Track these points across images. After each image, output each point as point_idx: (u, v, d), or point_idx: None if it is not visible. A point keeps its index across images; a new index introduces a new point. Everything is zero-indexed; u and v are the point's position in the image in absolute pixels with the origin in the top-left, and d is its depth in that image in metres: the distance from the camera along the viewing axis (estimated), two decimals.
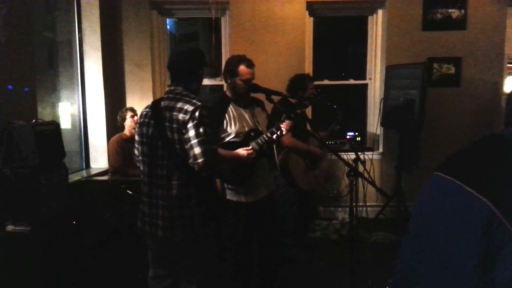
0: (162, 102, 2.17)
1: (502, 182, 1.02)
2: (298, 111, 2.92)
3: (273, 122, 2.91)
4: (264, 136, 2.71)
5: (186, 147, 2.04)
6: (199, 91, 2.31)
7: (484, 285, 0.99)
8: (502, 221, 0.96)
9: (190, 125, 2.03)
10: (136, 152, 2.33)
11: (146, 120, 2.21)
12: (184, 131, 2.05)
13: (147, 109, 2.27)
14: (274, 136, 2.70)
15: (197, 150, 2.00)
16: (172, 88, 2.22)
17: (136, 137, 2.30)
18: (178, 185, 2.11)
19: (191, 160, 2.03)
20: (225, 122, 2.75)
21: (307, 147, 3.63)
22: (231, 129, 2.74)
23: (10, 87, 3.06)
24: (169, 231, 2.13)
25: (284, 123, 2.69)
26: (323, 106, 3.82)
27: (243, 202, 2.79)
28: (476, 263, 1.00)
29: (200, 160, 2.00)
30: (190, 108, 2.06)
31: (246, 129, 2.78)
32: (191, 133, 2.02)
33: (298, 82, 3.81)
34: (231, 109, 2.79)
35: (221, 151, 2.65)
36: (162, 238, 2.16)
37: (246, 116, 2.83)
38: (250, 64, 2.76)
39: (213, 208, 2.23)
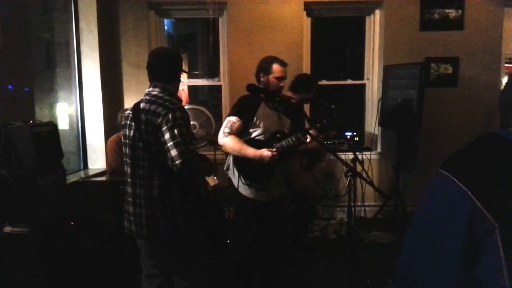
0: (141, 104, 2.22)
1: (486, 174, 1.05)
2: (333, 132, 3.03)
3: (296, 127, 2.95)
4: (289, 139, 2.78)
5: (164, 149, 2.10)
6: (176, 92, 2.36)
7: (470, 279, 1.01)
8: (484, 213, 0.98)
9: (164, 128, 2.09)
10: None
11: (128, 122, 2.26)
12: (159, 134, 2.11)
13: (128, 111, 2.31)
14: (298, 142, 2.78)
15: (173, 152, 2.06)
16: (150, 90, 2.27)
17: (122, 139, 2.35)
18: (159, 185, 2.18)
19: (169, 162, 2.08)
20: (255, 117, 2.80)
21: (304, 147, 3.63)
22: (260, 126, 2.81)
23: (10, 87, 3.05)
24: (153, 230, 2.20)
25: (310, 131, 2.77)
26: (325, 107, 3.80)
27: (258, 200, 2.82)
28: (461, 255, 1.03)
29: (177, 162, 2.05)
30: (162, 111, 2.12)
31: (274, 129, 2.84)
32: (167, 136, 2.08)
33: (304, 81, 3.85)
34: (262, 107, 2.84)
35: (237, 142, 2.71)
36: (148, 237, 2.24)
37: (275, 117, 2.89)
38: (283, 63, 2.90)
39: (197, 206, 2.27)
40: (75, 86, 4.46)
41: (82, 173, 4.37)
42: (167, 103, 2.15)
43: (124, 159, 2.31)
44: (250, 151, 2.70)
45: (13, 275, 2.54)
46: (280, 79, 2.86)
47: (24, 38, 3.24)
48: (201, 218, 2.31)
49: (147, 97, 2.23)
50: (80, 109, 4.48)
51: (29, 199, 2.60)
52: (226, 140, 2.76)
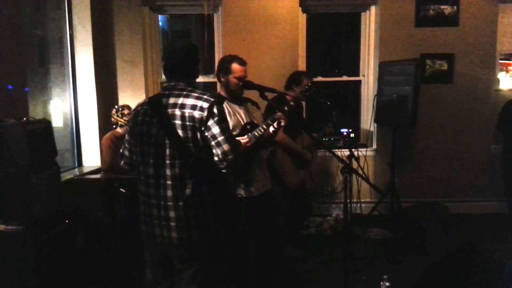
0: (164, 99, 2.07)
1: None
2: (292, 103, 2.95)
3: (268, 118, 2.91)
4: (260, 128, 2.74)
5: (211, 144, 2.01)
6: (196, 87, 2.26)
7: None
8: None
9: (211, 122, 2.00)
10: (126, 153, 2.22)
11: (147, 118, 2.10)
12: (203, 128, 2.00)
13: (145, 107, 2.15)
14: (271, 129, 2.73)
15: (226, 147, 2.00)
16: (172, 84, 2.13)
17: (127, 137, 2.19)
18: (192, 184, 2.04)
19: (220, 157, 2.01)
20: None
21: (296, 147, 3.65)
22: (229, 124, 2.75)
23: (10, 87, 3.03)
24: (186, 232, 2.05)
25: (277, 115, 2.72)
26: (316, 102, 3.80)
27: (242, 197, 2.79)
28: None
29: (230, 157, 2.00)
30: (205, 104, 2.01)
31: (242, 123, 2.82)
32: (215, 130, 2.00)
33: (294, 77, 3.88)
34: (226, 106, 2.81)
35: None
36: (177, 240, 2.07)
37: (241, 112, 2.87)
38: (242, 62, 2.82)
39: (227, 205, 2.22)
40: (69, 83, 4.42)
41: (76, 171, 4.34)
42: (205, 96, 2.04)
43: (141, 159, 2.13)
44: None
45: (7, 273, 2.52)
46: (240, 79, 2.79)
47: (17, 35, 3.21)
48: (230, 216, 2.26)
49: (175, 91, 2.09)
50: (74, 106, 4.45)
51: (23, 196, 2.57)
52: None
